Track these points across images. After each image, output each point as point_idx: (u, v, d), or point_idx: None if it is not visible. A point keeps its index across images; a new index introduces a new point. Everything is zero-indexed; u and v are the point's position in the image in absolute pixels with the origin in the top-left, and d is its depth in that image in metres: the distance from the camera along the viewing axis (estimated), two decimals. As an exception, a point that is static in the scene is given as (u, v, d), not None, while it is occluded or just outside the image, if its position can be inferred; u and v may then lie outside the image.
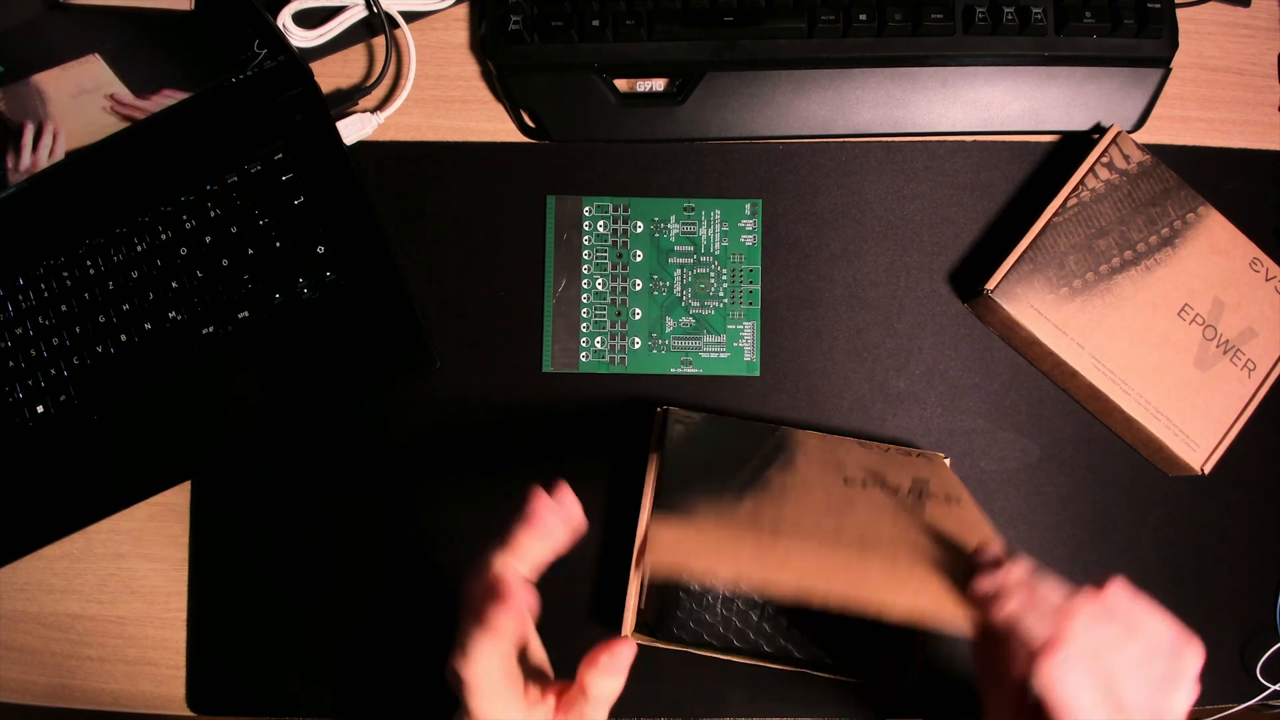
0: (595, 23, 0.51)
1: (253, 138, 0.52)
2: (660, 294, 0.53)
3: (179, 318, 0.51)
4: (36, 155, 0.49)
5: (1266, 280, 0.51)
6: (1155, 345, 0.50)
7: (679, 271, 0.53)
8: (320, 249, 0.51)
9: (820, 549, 0.36)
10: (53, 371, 0.52)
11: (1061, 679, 0.31)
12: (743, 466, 0.42)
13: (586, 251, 0.53)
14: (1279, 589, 0.51)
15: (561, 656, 0.38)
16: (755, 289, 0.53)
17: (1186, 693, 0.32)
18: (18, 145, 0.51)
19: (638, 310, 0.53)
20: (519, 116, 0.54)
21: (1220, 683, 0.51)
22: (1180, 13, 0.53)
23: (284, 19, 0.54)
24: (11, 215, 0.53)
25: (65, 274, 0.52)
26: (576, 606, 0.51)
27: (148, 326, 0.51)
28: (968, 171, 0.54)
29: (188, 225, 0.52)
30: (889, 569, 0.35)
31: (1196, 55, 0.55)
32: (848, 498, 0.41)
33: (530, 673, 0.35)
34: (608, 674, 0.33)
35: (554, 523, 0.34)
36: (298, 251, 0.51)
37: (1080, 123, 0.53)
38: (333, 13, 0.54)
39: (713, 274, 0.53)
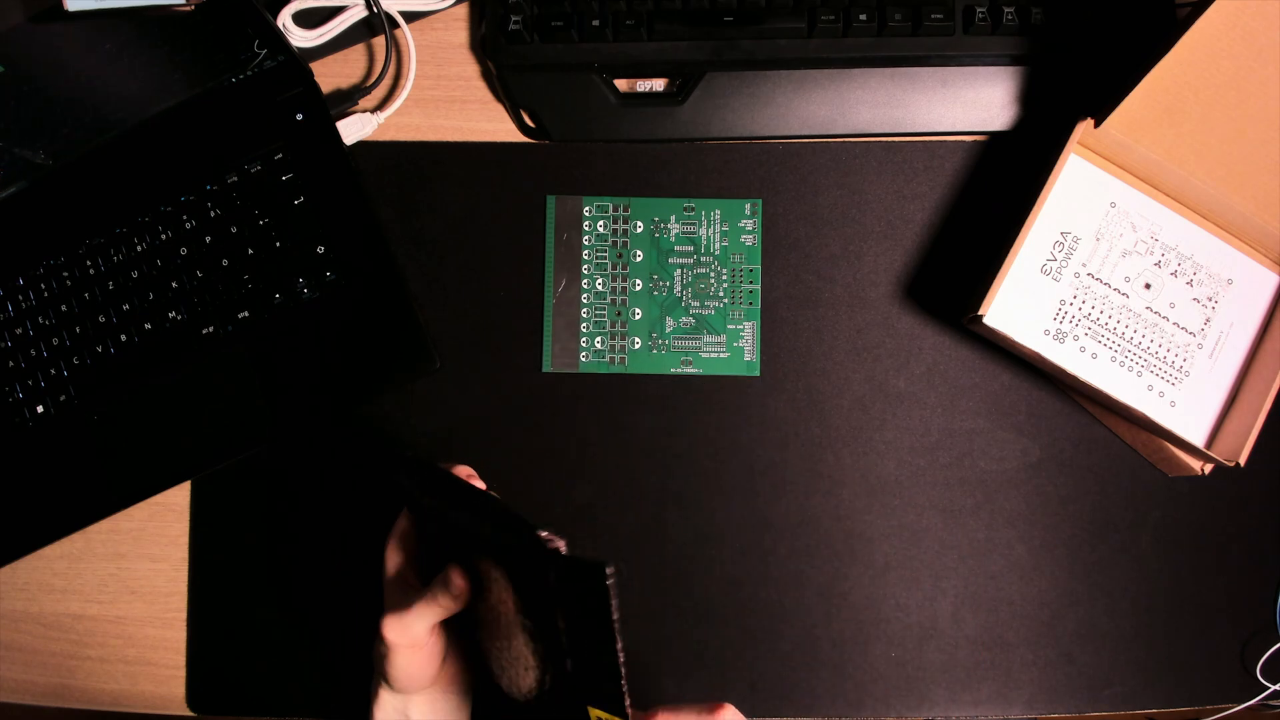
0: (595, 23, 0.51)
1: (253, 138, 0.52)
2: (660, 294, 0.53)
3: (179, 318, 0.51)
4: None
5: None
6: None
7: (679, 271, 0.53)
8: (320, 249, 0.51)
9: None
10: (53, 371, 0.52)
11: None
12: None
13: (586, 251, 0.53)
14: (1279, 589, 0.51)
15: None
16: (755, 289, 0.53)
17: None
18: None
19: (638, 310, 0.53)
20: (519, 116, 0.54)
21: (1220, 683, 0.51)
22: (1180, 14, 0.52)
23: (284, 19, 0.54)
24: (12, 215, 0.53)
25: (65, 274, 0.52)
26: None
27: (148, 326, 0.51)
28: (968, 171, 0.54)
29: (188, 225, 0.52)
30: None
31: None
32: None
33: None
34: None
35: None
36: (298, 251, 0.51)
37: (1080, 123, 0.53)
38: (333, 13, 0.54)
39: (713, 274, 0.53)
